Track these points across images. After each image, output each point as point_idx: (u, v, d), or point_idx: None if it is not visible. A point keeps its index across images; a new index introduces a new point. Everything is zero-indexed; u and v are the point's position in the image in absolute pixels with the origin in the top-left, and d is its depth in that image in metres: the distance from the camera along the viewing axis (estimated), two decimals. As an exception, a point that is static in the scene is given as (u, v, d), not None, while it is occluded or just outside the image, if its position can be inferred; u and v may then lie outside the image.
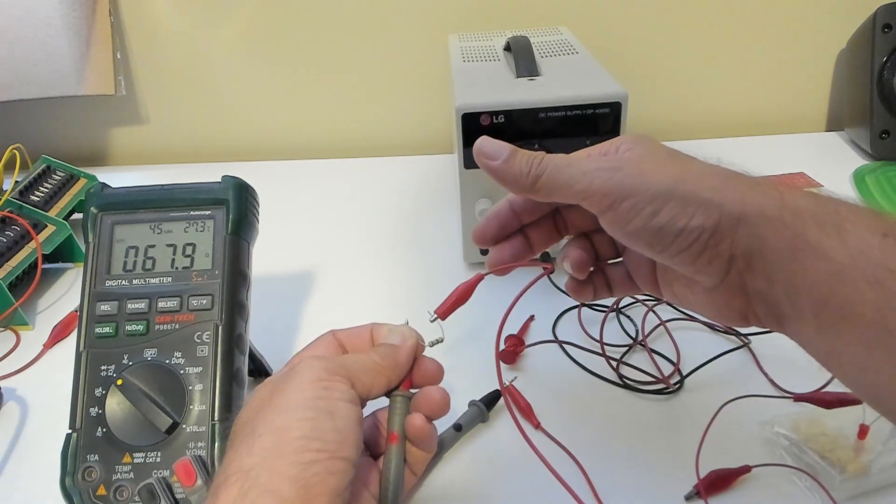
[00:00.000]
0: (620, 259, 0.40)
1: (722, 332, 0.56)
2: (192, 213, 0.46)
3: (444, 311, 0.39)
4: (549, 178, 0.33)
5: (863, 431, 0.42)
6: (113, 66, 0.91)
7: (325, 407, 0.31)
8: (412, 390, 0.38)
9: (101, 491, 0.40)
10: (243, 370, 0.44)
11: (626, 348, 0.54)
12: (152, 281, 0.44)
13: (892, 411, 0.28)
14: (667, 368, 0.52)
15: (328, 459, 0.29)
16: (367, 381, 0.34)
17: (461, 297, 0.39)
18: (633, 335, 0.56)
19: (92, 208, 0.46)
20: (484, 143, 0.36)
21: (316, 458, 0.29)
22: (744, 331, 0.54)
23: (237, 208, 0.46)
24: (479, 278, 0.39)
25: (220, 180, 0.47)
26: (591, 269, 0.39)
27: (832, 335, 0.28)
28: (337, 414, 0.31)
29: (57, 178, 0.74)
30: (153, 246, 0.45)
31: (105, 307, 0.43)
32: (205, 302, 0.43)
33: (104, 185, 0.48)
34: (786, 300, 0.29)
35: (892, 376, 0.26)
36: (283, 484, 0.28)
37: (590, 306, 0.59)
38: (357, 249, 0.72)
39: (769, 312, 0.31)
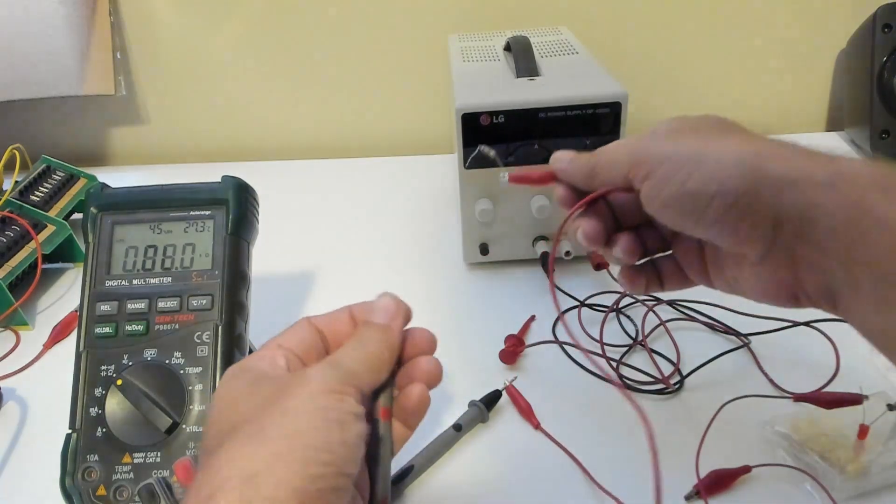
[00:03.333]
0: (670, 252, 0.38)
1: (722, 332, 0.56)
2: (192, 213, 0.46)
3: (515, 176, 0.39)
4: (601, 162, 0.34)
5: (863, 431, 0.42)
6: (113, 66, 0.91)
7: (337, 419, 0.29)
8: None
9: (101, 491, 0.40)
10: (243, 370, 0.44)
11: (626, 348, 0.54)
12: (152, 281, 0.44)
13: None
14: (667, 368, 0.52)
15: (334, 476, 0.28)
16: (373, 380, 0.33)
17: (540, 178, 0.38)
18: (633, 335, 0.56)
19: (92, 208, 0.46)
20: (556, 155, 0.37)
21: (323, 473, 0.27)
22: (744, 331, 0.54)
23: (237, 208, 0.46)
24: (553, 177, 0.37)
25: (220, 180, 0.47)
26: (640, 261, 0.38)
27: (892, 314, 0.26)
28: (346, 428, 0.29)
29: (57, 178, 0.74)
30: (153, 246, 0.45)
31: (105, 307, 0.43)
32: (205, 302, 0.43)
33: (104, 185, 0.48)
34: (841, 273, 0.27)
35: None
36: (289, 497, 0.26)
37: (590, 306, 0.59)
38: (357, 249, 0.72)
39: (821, 287, 0.29)
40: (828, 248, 0.27)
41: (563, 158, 0.37)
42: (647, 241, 0.37)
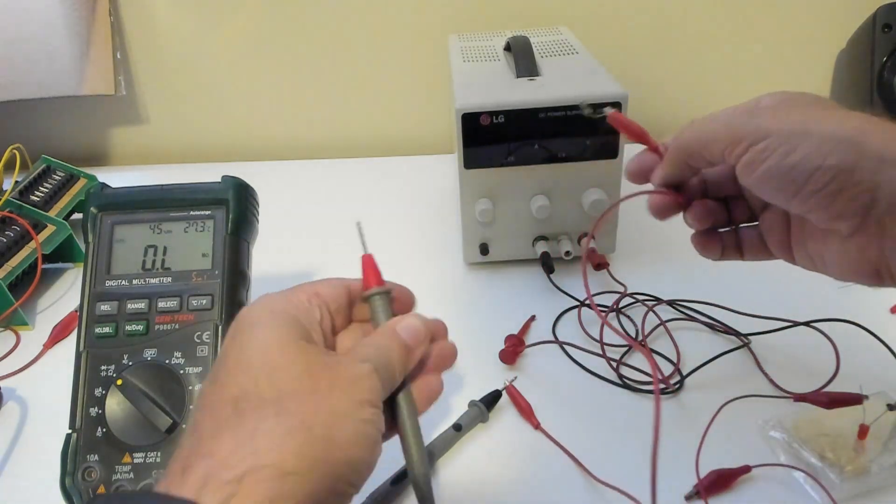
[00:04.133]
0: (755, 223, 0.39)
1: (722, 332, 0.56)
2: (191, 213, 0.46)
3: (616, 117, 0.39)
4: (698, 139, 0.34)
5: (863, 431, 0.42)
6: (113, 66, 0.91)
7: (374, 439, 0.27)
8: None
9: (101, 491, 0.40)
10: (243, 370, 0.44)
11: (626, 348, 0.54)
12: (152, 281, 0.44)
13: None
14: (667, 368, 0.52)
15: (349, 495, 0.26)
16: (386, 393, 0.31)
17: (637, 135, 0.38)
18: (633, 335, 0.56)
19: (92, 208, 0.46)
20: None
21: (344, 491, 0.26)
22: (744, 331, 0.54)
23: (237, 208, 0.46)
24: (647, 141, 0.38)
25: (219, 180, 0.47)
26: (723, 229, 0.39)
27: None
28: (376, 448, 0.27)
29: (57, 178, 0.74)
30: (153, 246, 0.45)
31: (105, 307, 0.43)
32: (205, 302, 0.43)
33: (104, 185, 0.48)
34: None
35: None
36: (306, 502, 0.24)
37: (590, 306, 0.59)
38: (356, 249, 0.72)
39: None
40: None
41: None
42: (735, 211, 0.38)
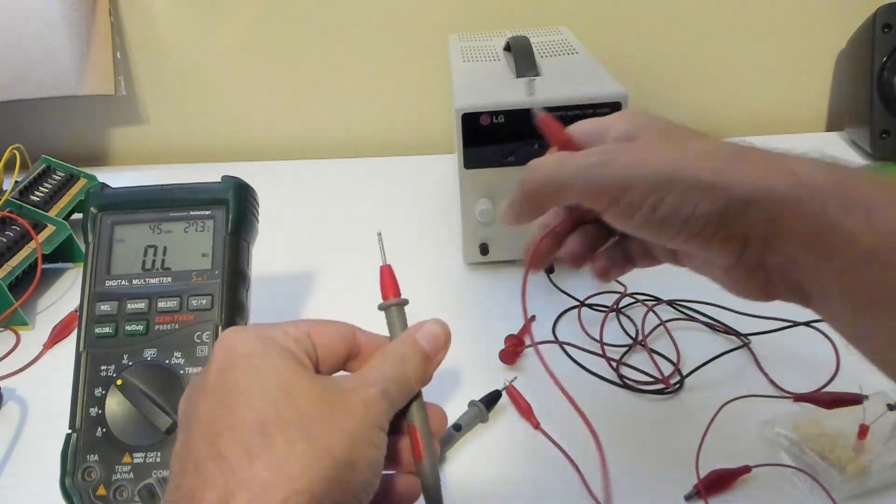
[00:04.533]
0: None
1: (722, 332, 0.56)
2: (191, 213, 0.46)
3: (546, 122, 0.35)
4: (542, 183, 0.32)
5: (863, 431, 0.42)
6: (113, 66, 0.91)
7: (381, 460, 0.27)
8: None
9: (101, 491, 0.40)
10: (243, 370, 0.44)
11: (626, 348, 0.54)
12: (152, 281, 0.44)
13: None
14: (667, 368, 0.52)
15: None
16: (400, 406, 0.31)
17: (562, 142, 0.34)
18: (633, 335, 0.56)
19: (92, 208, 0.46)
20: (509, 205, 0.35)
21: None
22: (744, 331, 0.54)
23: (237, 208, 0.46)
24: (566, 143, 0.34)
25: (219, 180, 0.47)
26: (604, 250, 0.37)
27: (863, 318, 0.26)
28: (381, 471, 0.28)
29: (57, 178, 0.74)
30: (153, 246, 0.45)
31: (105, 307, 0.43)
32: (204, 302, 0.43)
33: (104, 185, 0.48)
34: (810, 280, 0.27)
35: None
36: None
37: (590, 306, 0.59)
38: (357, 249, 0.72)
39: (792, 290, 0.29)
40: (796, 258, 0.27)
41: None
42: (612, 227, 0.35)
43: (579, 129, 0.34)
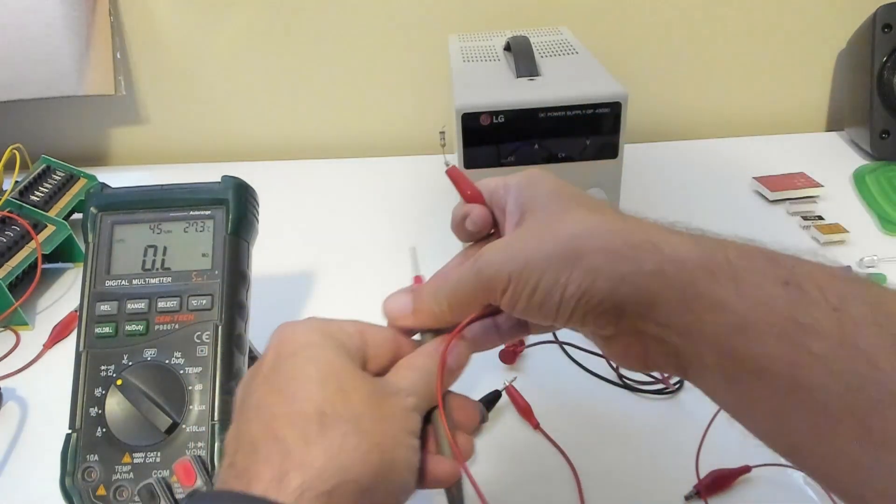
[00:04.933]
0: None
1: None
2: (191, 213, 0.46)
3: (454, 174, 0.35)
4: (441, 297, 0.32)
5: (863, 431, 0.42)
6: (113, 66, 0.91)
7: (416, 464, 0.29)
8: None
9: (101, 491, 0.40)
10: (243, 370, 0.44)
11: (625, 348, 0.54)
12: (152, 281, 0.44)
13: (814, 469, 0.26)
14: (667, 368, 0.52)
15: None
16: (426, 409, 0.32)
17: (471, 197, 0.35)
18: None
19: (92, 208, 0.46)
20: (388, 303, 0.35)
21: None
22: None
23: (237, 208, 0.46)
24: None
25: (219, 180, 0.47)
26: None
27: (740, 388, 0.27)
28: (415, 473, 0.29)
29: (57, 178, 0.74)
30: (153, 246, 0.45)
31: (105, 307, 0.43)
32: (204, 302, 0.43)
33: (104, 185, 0.48)
34: (686, 349, 0.28)
35: (811, 434, 0.25)
36: None
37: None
38: (356, 249, 0.72)
39: (670, 360, 0.29)
40: (670, 326, 0.28)
41: (403, 308, 0.35)
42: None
43: (484, 185, 0.35)
